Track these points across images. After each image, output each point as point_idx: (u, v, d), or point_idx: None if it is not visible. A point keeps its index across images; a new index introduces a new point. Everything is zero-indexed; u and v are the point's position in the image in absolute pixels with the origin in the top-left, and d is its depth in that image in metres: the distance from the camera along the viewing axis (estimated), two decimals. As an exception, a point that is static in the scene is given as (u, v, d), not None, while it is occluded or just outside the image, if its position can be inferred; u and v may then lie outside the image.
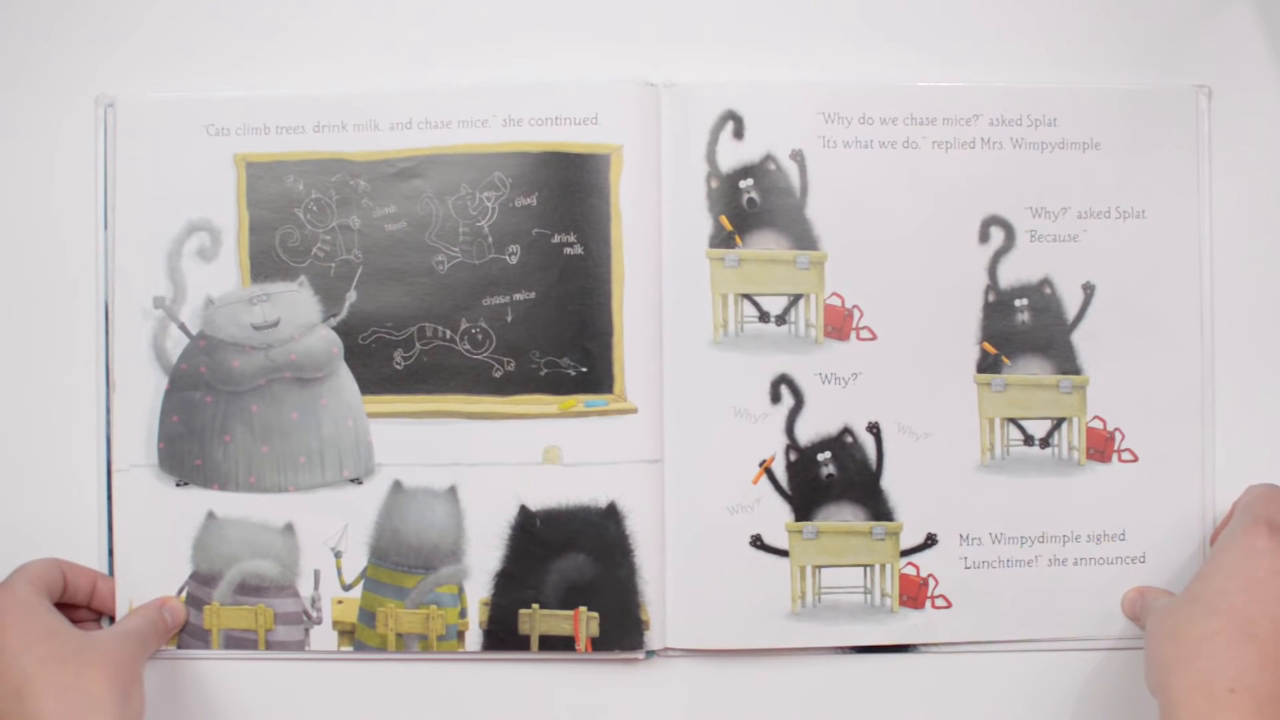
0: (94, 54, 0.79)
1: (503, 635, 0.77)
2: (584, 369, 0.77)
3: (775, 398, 0.77)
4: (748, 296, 0.78)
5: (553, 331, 0.77)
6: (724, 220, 0.78)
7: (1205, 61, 0.80)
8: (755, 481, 0.77)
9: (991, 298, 0.78)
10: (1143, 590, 0.77)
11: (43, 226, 0.79)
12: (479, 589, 0.77)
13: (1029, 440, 0.78)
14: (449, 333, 0.77)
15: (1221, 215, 0.79)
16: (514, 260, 0.77)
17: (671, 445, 0.77)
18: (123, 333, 0.77)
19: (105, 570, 0.77)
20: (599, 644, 0.76)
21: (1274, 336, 0.79)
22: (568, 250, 0.77)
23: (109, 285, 0.78)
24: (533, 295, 0.77)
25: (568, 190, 0.77)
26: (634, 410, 0.77)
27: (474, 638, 0.77)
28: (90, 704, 0.66)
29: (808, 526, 0.77)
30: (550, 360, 0.77)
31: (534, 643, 0.77)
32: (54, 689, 0.66)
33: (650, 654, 0.77)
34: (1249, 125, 0.79)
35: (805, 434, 0.77)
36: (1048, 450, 0.78)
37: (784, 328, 0.78)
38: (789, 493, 0.77)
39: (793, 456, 0.77)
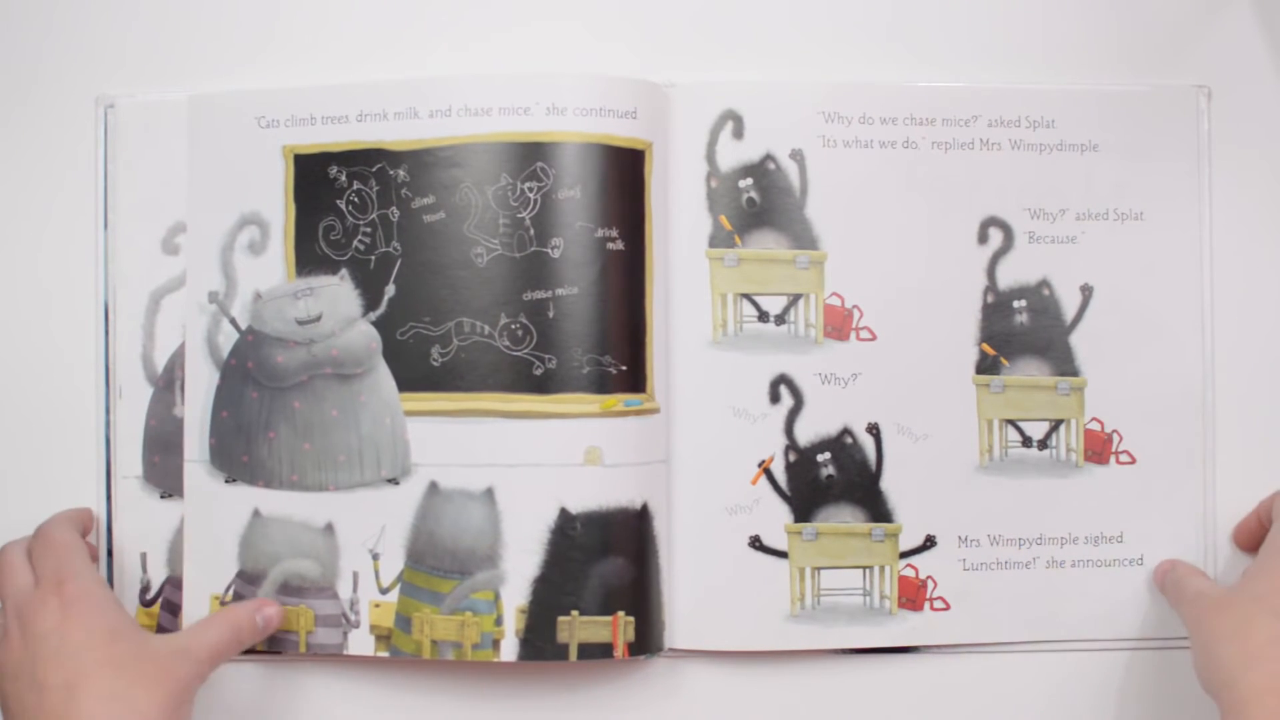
0: (101, 50, 0.79)
1: (539, 644, 0.75)
2: (624, 367, 0.75)
3: (774, 398, 0.78)
4: (747, 296, 0.78)
5: (595, 328, 0.75)
6: (723, 220, 0.78)
7: (1205, 61, 0.79)
8: (754, 482, 0.77)
9: (990, 299, 0.78)
10: (1175, 563, 0.77)
11: (57, 221, 0.79)
12: (516, 595, 0.75)
13: (1027, 442, 0.78)
14: (487, 328, 0.75)
15: (1221, 216, 0.79)
16: (557, 254, 0.75)
17: (675, 445, 0.77)
18: (183, 327, 0.77)
19: (169, 572, 0.78)
20: (633, 649, 0.75)
21: (1274, 337, 0.79)
22: (610, 245, 0.75)
23: (126, 277, 0.78)
24: (575, 290, 0.75)
25: (610, 184, 0.75)
26: (658, 409, 0.76)
27: (510, 647, 0.75)
28: (139, 718, 0.66)
29: (807, 528, 0.77)
30: (592, 358, 0.75)
31: (573, 651, 0.74)
32: (104, 695, 0.65)
33: (650, 655, 0.77)
34: (1249, 125, 0.79)
35: (804, 434, 0.78)
36: (1046, 452, 0.78)
37: (783, 328, 0.78)
38: (788, 494, 0.77)
39: (792, 457, 0.77)
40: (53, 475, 0.78)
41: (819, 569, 0.77)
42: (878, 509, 0.78)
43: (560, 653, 0.74)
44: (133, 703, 0.66)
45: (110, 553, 0.77)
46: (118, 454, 0.78)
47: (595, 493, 0.74)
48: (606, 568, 0.75)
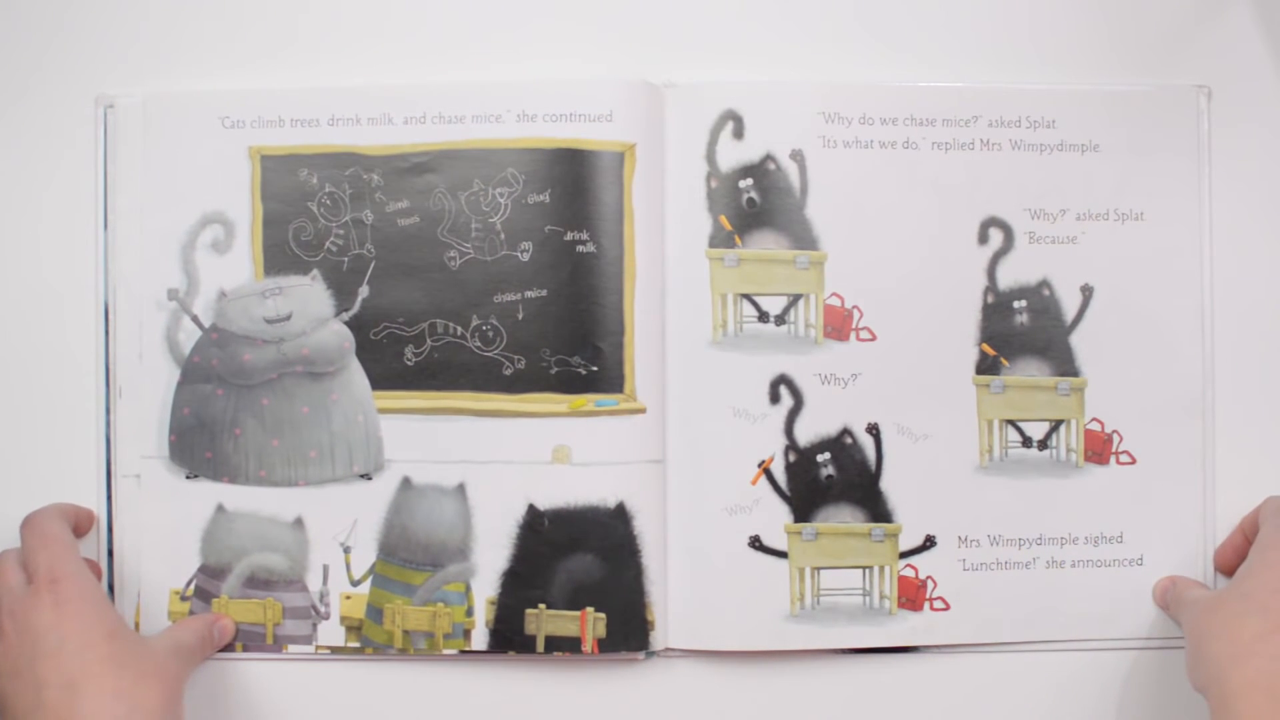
0: (101, 50, 0.79)
1: (509, 635, 0.77)
2: (594, 368, 0.76)
3: (774, 398, 0.78)
4: (747, 296, 0.78)
5: (564, 330, 0.77)
6: (724, 220, 0.78)
7: (1205, 61, 0.79)
8: (754, 482, 0.77)
9: (990, 299, 0.78)
10: (1175, 579, 0.77)
11: (57, 221, 0.79)
12: (486, 587, 0.77)
13: (1027, 442, 0.78)
14: (460, 329, 0.77)
15: (1221, 216, 0.79)
16: (526, 257, 0.77)
17: (671, 445, 0.77)
18: (139, 325, 0.77)
19: (114, 564, 0.78)
20: (605, 645, 0.76)
21: (1274, 337, 0.79)
22: (580, 248, 0.77)
23: (125, 277, 0.77)
24: (544, 293, 0.77)
25: (581, 187, 0.76)
26: (643, 410, 0.77)
27: (480, 637, 0.77)
28: (142, 715, 0.66)
29: (807, 528, 0.77)
30: (561, 359, 0.77)
31: (540, 643, 0.76)
32: (110, 692, 0.66)
33: (650, 654, 0.77)
34: (1249, 125, 0.79)
35: (804, 435, 0.78)
36: (1046, 452, 0.78)
37: (783, 328, 0.78)
38: (788, 494, 0.77)
39: (792, 457, 0.77)
40: (53, 475, 0.78)
41: (819, 569, 0.77)
42: (877, 509, 0.78)
43: (528, 644, 0.76)
44: (136, 700, 0.67)
45: (110, 553, 0.78)
46: (117, 453, 0.78)
47: (564, 490, 0.76)
48: (575, 564, 0.76)
